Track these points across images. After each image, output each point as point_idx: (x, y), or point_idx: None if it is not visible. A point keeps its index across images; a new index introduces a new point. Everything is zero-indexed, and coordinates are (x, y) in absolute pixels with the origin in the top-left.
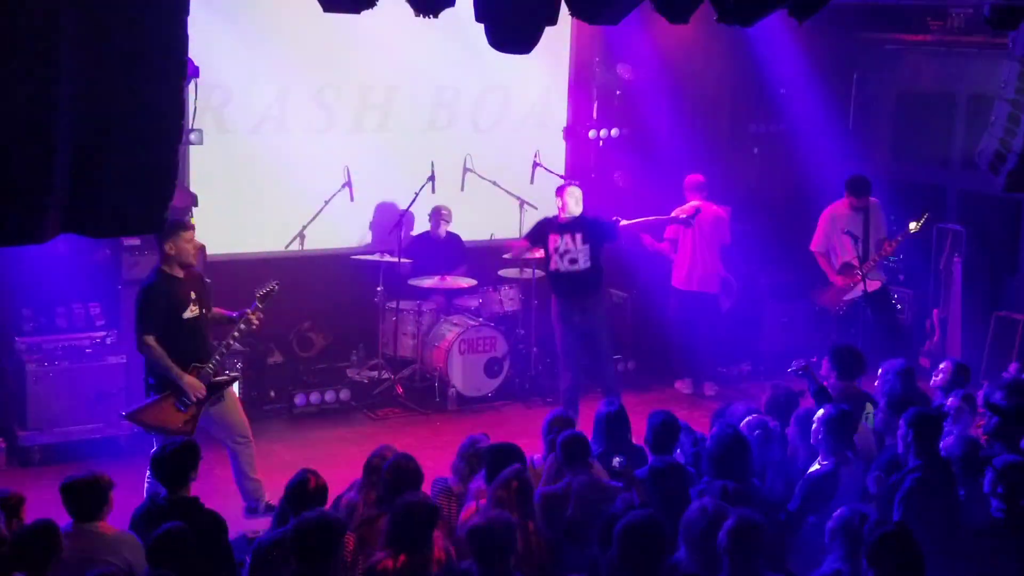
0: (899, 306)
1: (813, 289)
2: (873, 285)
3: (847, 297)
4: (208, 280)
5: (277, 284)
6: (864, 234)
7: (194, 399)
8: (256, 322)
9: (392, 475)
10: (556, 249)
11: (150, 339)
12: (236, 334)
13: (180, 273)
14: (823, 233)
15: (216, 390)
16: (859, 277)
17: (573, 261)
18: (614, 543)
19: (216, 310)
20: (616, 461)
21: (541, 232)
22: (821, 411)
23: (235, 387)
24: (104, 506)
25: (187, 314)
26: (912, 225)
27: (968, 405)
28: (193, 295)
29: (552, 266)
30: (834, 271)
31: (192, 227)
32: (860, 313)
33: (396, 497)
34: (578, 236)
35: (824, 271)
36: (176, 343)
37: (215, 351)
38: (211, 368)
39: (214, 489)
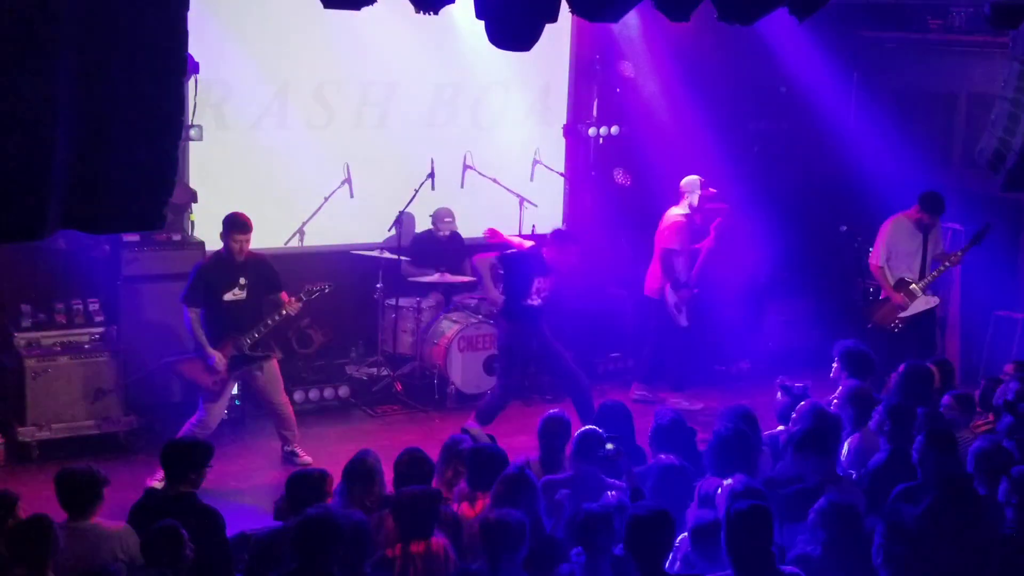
0: None
1: (866, 306)
2: (932, 302)
3: (904, 314)
4: (271, 268)
5: (329, 287)
6: (923, 251)
7: (217, 368)
8: (292, 311)
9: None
10: (537, 290)
11: (186, 309)
12: (277, 317)
13: (238, 259)
14: (883, 245)
15: (250, 362)
16: (913, 294)
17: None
18: (625, 536)
19: (283, 295)
20: (607, 447)
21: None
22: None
23: (275, 366)
24: (98, 501)
25: (228, 296)
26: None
27: (962, 405)
28: (243, 280)
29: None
30: (891, 286)
31: (247, 229)
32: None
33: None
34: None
35: (881, 285)
36: (214, 320)
37: (255, 328)
38: (247, 341)
39: (213, 485)
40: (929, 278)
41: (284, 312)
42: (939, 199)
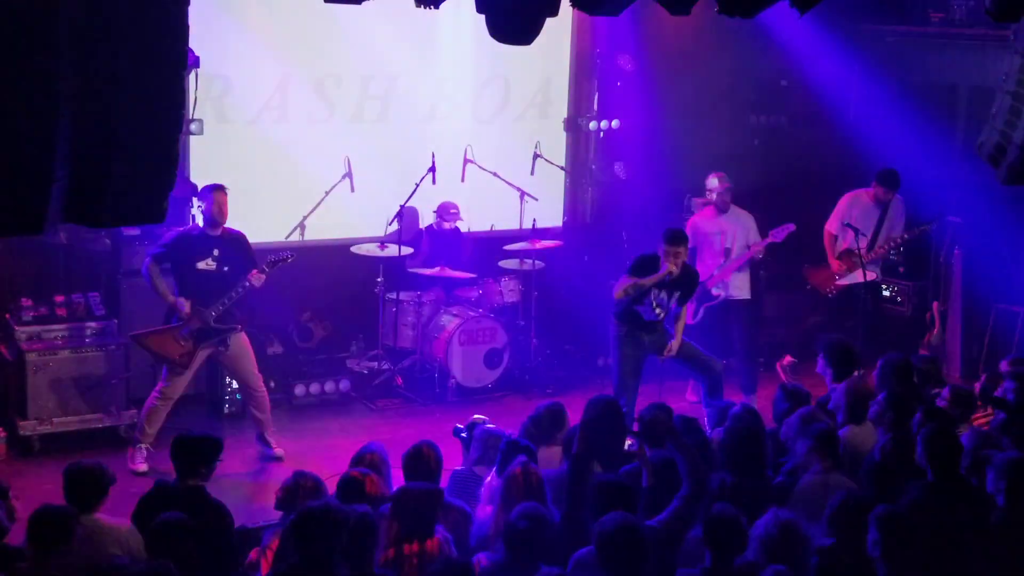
0: (899, 299)
1: (807, 265)
2: (869, 276)
3: (839, 282)
4: (246, 246)
5: (292, 256)
6: (876, 227)
7: (184, 316)
8: (256, 283)
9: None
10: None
11: (149, 260)
12: (240, 289)
13: (214, 231)
14: (839, 215)
15: (214, 334)
16: (855, 265)
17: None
18: (595, 544)
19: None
20: (628, 444)
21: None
22: None
23: (244, 342)
24: (103, 497)
25: (201, 265)
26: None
27: (960, 400)
28: (216, 252)
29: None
30: (835, 254)
31: (224, 190)
32: (850, 300)
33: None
34: (676, 294)
35: (827, 251)
36: (186, 286)
37: (219, 300)
38: (212, 313)
39: (215, 478)
40: (874, 253)
41: (248, 284)
42: (895, 175)
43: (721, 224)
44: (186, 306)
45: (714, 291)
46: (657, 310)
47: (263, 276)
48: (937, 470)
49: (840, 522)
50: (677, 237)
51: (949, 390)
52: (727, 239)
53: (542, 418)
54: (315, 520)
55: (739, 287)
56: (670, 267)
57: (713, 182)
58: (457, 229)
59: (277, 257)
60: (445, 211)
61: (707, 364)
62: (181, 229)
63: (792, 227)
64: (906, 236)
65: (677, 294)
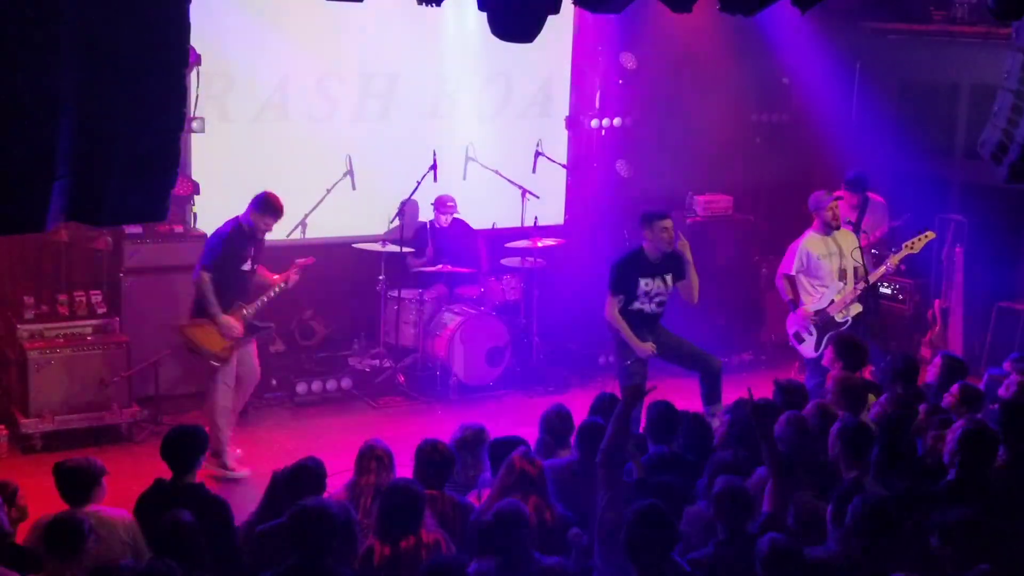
0: (900, 297)
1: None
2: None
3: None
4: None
5: (313, 259)
6: (855, 231)
7: (230, 336)
8: (288, 284)
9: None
10: (647, 292)
11: (205, 274)
12: (277, 290)
13: (256, 235)
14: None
15: (253, 331)
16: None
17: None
18: (623, 531)
19: (259, 269)
20: None
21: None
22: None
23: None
24: (95, 489)
25: (244, 267)
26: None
27: (968, 397)
28: (252, 251)
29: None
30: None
31: (281, 215)
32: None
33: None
34: (668, 276)
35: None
36: (230, 287)
37: (257, 299)
38: (251, 311)
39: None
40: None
41: (285, 285)
42: (855, 177)
43: (831, 244)
44: (238, 328)
45: (839, 319)
46: (656, 299)
47: (296, 277)
48: (967, 469)
49: (865, 529)
50: (663, 211)
51: (959, 387)
52: (843, 259)
53: (553, 423)
54: (310, 519)
55: (854, 306)
56: (680, 243)
57: (827, 199)
58: (464, 224)
59: (303, 260)
60: (442, 204)
61: (706, 362)
62: (224, 234)
63: (933, 235)
64: (897, 260)
65: (669, 276)
